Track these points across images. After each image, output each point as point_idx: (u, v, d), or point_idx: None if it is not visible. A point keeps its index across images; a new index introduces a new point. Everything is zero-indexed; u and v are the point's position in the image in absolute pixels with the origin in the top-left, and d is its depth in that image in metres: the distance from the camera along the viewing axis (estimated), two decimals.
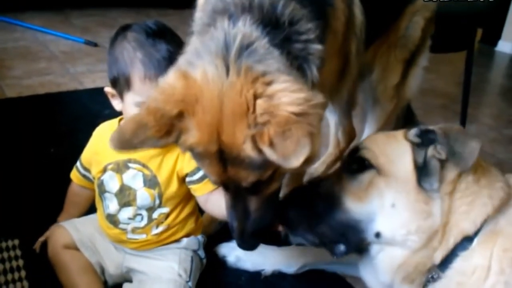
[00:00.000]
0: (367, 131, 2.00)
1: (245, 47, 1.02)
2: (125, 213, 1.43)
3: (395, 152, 1.17)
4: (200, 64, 1.02)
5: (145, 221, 1.44)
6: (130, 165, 1.41)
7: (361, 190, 1.16)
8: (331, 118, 2.18)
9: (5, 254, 1.59)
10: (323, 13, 1.24)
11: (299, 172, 1.21)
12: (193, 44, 1.12)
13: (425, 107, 2.97)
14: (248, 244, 1.27)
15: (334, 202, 1.19)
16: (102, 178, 1.45)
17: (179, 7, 4.40)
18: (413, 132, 1.21)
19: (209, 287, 1.54)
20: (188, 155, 1.26)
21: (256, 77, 0.99)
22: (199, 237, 1.56)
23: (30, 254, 1.57)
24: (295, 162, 0.93)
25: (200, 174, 1.40)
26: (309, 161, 1.00)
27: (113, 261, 1.48)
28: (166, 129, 1.03)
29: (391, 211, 1.14)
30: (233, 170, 1.08)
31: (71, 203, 1.61)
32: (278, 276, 1.62)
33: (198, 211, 1.57)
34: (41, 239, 1.54)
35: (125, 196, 1.42)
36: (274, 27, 1.09)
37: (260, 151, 0.99)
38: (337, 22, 1.32)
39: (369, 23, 1.53)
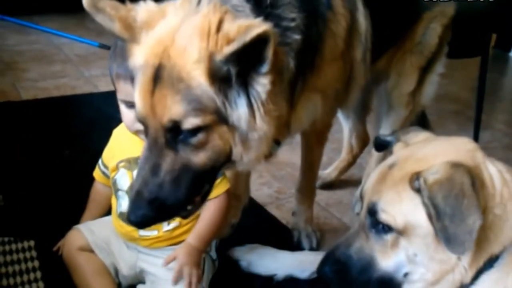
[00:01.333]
0: None
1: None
2: None
3: (408, 208, 1.10)
4: (180, 5, 1.12)
5: None
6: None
7: (388, 249, 1.15)
8: (345, 124, 2.18)
9: (21, 255, 1.61)
10: (320, 14, 1.26)
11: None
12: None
13: (438, 113, 2.96)
14: (138, 212, 1.08)
15: (368, 262, 1.19)
16: (115, 177, 1.48)
17: None
18: (416, 183, 1.11)
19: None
20: None
21: (225, 11, 1.06)
22: None
23: (46, 255, 1.59)
24: (229, 48, 0.98)
25: None
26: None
27: (127, 262, 1.49)
28: (125, 24, 1.12)
29: (415, 259, 1.13)
30: (162, 94, 1.04)
31: (93, 201, 1.62)
32: (290, 281, 1.62)
33: None
34: (61, 242, 1.56)
35: None
36: (257, 4, 1.12)
37: (208, 80, 1.02)
38: (337, 27, 1.33)
39: (382, 31, 1.54)
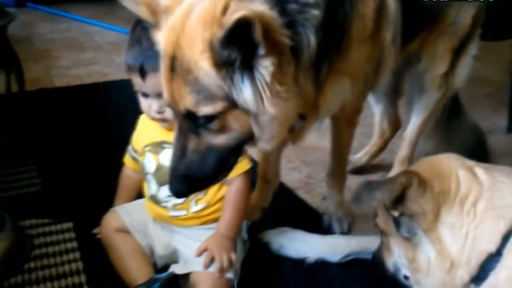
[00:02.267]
0: (413, 121, 1.96)
1: None
2: (164, 191, 1.48)
3: (384, 212, 1.28)
4: None
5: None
6: (164, 145, 1.46)
7: (387, 250, 1.35)
8: (376, 108, 2.15)
9: (60, 236, 1.67)
10: None
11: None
12: None
13: (471, 96, 2.89)
14: (174, 186, 1.19)
15: (382, 263, 1.39)
16: (143, 161, 1.52)
17: None
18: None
19: (252, 273, 1.56)
20: None
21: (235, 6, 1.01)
22: None
23: (83, 236, 1.65)
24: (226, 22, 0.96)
25: None
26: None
27: (162, 242, 1.53)
28: (151, 9, 1.12)
29: (402, 261, 1.30)
30: (177, 84, 1.08)
31: (123, 186, 1.66)
32: (321, 264, 1.63)
33: None
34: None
35: (162, 175, 1.47)
36: None
37: (213, 68, 1.02)
38: (365, 8, 1.30)
39: (414, 13, 1.51)
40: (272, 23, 1.02)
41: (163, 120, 1.43)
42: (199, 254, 1.41)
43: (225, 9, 1.00)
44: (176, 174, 1.17)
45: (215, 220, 1.50)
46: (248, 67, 1.04)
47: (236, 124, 1.12)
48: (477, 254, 1.16)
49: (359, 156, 2.20)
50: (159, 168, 1.48)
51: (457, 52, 1.83)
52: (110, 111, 2.55)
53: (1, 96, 2.40)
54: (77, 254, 1.59)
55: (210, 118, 1.10)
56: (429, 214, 1.17)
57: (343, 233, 1.78)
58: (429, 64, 1.82)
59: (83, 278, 1.51)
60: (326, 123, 1.66)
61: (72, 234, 1.68)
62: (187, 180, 1.17)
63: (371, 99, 2.10)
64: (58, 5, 4.28)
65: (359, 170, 2.17)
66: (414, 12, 1.50)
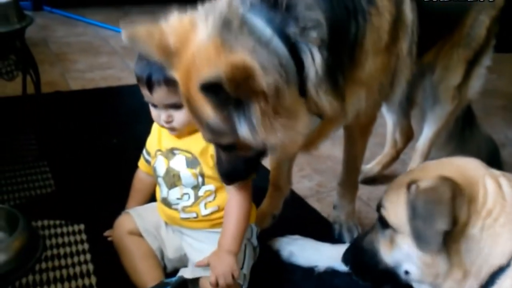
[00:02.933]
0: (426, 132, 1.96)
1: (228, 22, 1.11)
2: (174, 194, 1.49)
3: (402, 210, 1.24)
4: (204, 21, 1.14)
5: (192, 199, 1.48)
6: (175, 151, 1.48)
7: (387, 243, 1.31)
8: (389, 118, 2.15)
9: (72, 238, 1.69)
10: (360, 9, 1.25)
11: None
12: (214, 2, 1.21)
13: (485, 108, 2.88)
14: (224, 180, 1.38)
15: (374, 254, 1.35)
16: (154, 164, 1.53)
17: None
18: (412, 188, 1.22)
19: (262, 280, 1.56)
20: None
21: (223, 48, 1.08)
22: (252, 225, 1.58)
23: (95, 238, 1.66)
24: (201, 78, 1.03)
25: None
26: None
27: (172, 245, 1.54)
28: (163, 52, 1.16)
29: (410, 259, 1.26)
30: (196, 123, 1.21)
31: (135, 189, 1.67)
32: (331, 273, 1.62)
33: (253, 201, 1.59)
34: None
35: (171, 178, 1.48)
36: (272, 7, 1.14)
37: (213, 110, 1.10)
38: (380, 20, 1.30)
39: (431, 24, 1.51)
40: (251, 73, 1.03)
41: (171, 129, 1.44)
42: (202, 265, 1.41)
43: (212, 56, 1.07)
44: (222, 173, 1.34)
45: None
46: (241, 107, 1.10)
47: (251, 148, 1.20)
48: (489, 267, 1.16)
49: (370, 166, 2.20)
50: (168, 171, 1.49)
51: (471, 64, 1.82)
52: (124, 114, 2.57)
53: (17, 98, 2.43)
54: (88, 256, 1.61)
55: (229, 146, 1.22)
56: (460, 226, 1.15)
57: None
58: (443, 75, 1.82)
59: (93, 280, 1.52)
60: (339, 132, 1.66)
61: (84, 236, 1.69)
62: (230, 176, 1.36)
63: (384, 109, 2.10)
64: (74, 9, 4.34)
65: (371, 180, 2.17)
66: (431, 23, 1.50)
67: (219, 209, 1.50)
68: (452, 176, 1.17)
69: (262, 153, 1.28)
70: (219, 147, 1.28)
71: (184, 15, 1.19)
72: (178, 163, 1.47)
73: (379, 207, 1.31)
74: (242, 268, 1.47)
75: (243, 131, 1.13)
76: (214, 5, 1.18)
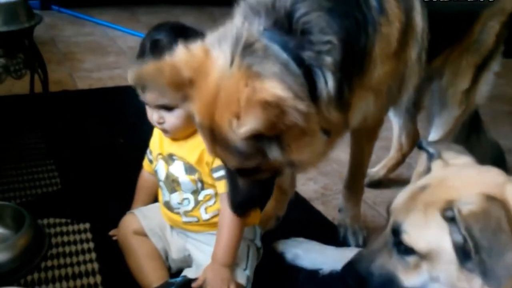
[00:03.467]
0: (432, 136, 1.95)
1: (248, 46, 1.12)
2: (174, 199, 1.50)
3: (434, 235, 1.10)
4: (218, 48, 1.14)
5: (192, 204, 1.49)
6: (174, 158, 1.48)
7: (410, 270, 1.17)
8: (395, 122, 2.15)
9: (77, 237, 1.69)
10: (370, 20, 1.26)
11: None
12: (221, 29, 1.22)
13: (492, 114, 2.86)
14: (238, 211, 1.36)
15: (389, 279, 1.20)
16: (156, 168, 1.53)
17: None
18: (449, 212, 1.09)
19: (265, 282, 1.56)
20: None
21: (250, 75, 1.08)
22: (256, 226, 1.58)
23: (100, 237, 1.67)
24: (244, 130, 1.05)
25: (219, 173, 1.42)
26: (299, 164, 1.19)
27: (176, 246, 1.55)
28: (176, 86, 1.15)
29: (439, 280, 1.13)
30: (220, 150, 1.19)
31: (140, 189, 1.68)
32: (336, 276, 1.60)
33: None
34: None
35: (171, 183, 1.49)
36: (287, 32, 1.16)
37: (240, 136, 1.09)
38: (390, 29, 1.31)
39: (441, 31, 1.51)
40: (285, 108, 1.05)
41: (164, 131, 1.44)
42: (199, 284, 1.41)
43: (246, 85, 1.07)
44: (236, 203, 1.34)
45: None
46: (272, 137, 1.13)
47: (273, 169, 1.24)
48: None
49: (376, 169, 2.19)
50: (168, 176, 1.49)
51: (480, 69, 1.82)
52: (131, 114, 2.56)
53: (25, 96, 2.45)
54: (93, 255, 1.61)
55: (253, 169, 1.22)
56: None
57: (358, 246, 1.77)
58: (451, 80, 1.81)
59: (98, 279, 1.52)
60: (345, 135, 1.66)
61: (89, 235, 1.70)
62: (244, 205, 1.35)
63: (390, 113, 2.10)
64: (82, 8, 4.36)
65: (376, 184, 2.16)
66: (441, 30, 1.51)
67: (219, 214, 1.49)
68: (487, 191, 1.06)
69: (280, 172, 1.30)
70: (240, 172, 1.26)
71: (191, 46, 1.16)
72: (177, 169, 1.47)
73: (397, 233, 1.14)
74: (245, 269, 1.47)
75: (274, 154, 1.15)
76: (224, 32, 1.18)
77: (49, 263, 1.57)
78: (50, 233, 1.69)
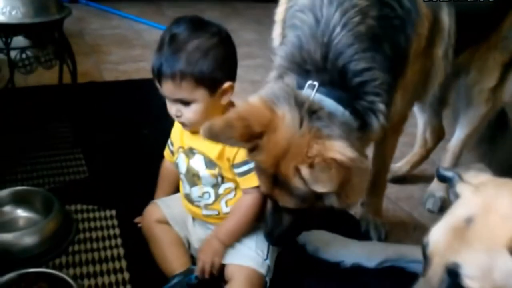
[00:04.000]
0: (458, 133, 1.94)
1: (313, 112, 1.23)
2: (195, 192, 1.52)
3: (504, 278, 0.97)
4: (281, 107, 1.23)
5: (212, 197, 1.50)
6: (194, 151, 1.49)
7: None
8: (420, 117, 2.14)
9: (103, 223, 1.73)
10: (410, 24, 1.32)
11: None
12: (272, 85, 1.33)
13: None
14: (277, 243, 1.49)
15: None
16: (177, 160, 1.55)
17: (264, 0, 4.49)
18: None
19: (286, 273, 1.57)
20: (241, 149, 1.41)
21: (321, 136, 1.20)
22: None
23: (125, 224, 1.71)
24: (318, 189, 1.18)
25: (243, 169, 1.44)
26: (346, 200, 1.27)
27: (198, 236, 1.57)
28: (246, 139, 1.22)
29: None
30: (279, 191, 1.29)
31: (162, 179, 1.71)
32: (357, 269, 1.62)
33: None
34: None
35: (191, 177, 1.50)
36: (343, 89, 1.27)
37: (302, 181, 1.20)
38: (422, 28, 1.35)
39: (469, 28, 1.51)
40: (350, 170, 1.18)
41: (182, 124, 1.47)
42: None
43: (315, 151, 1.19)
44: (274, 236, 1.43)
45: None
46: None
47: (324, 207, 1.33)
48: None
49: (399, 165, 2.18)
50: (188, 170, 1.51)
51: (507, 67, 1.80)
52: (155, 106, 2.57)
53: (54, 87, 2.50)
54: (119, 241, 1.65)
55: (303, 209, 1.32)
56: None
57: (380, 240, 1.77)
58: (477, 77, 1.80)
59: (123, 263, 1.56)
60: None
61: (115, 221, 1.73)
62: (281, 239, 1.46)
63: (415, 108, 2.09)
64: (109, 2, 4.43)
65: (399, 180, 2.16)
66: (468, 27, 1.50)
67: None
68: None
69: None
70: (288, 210, 1.35)
71: (251, 100, 1.26)
72: (197, 163, 1.48)
73: (454, 275, 0.98)
74: (266, 259, 1.49)
75: (331, 201, 1.27)
76: (278, 89, 1.27)
77: (77, 247, 1.61)
78: (77, 218, 1.74)
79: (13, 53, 2.04)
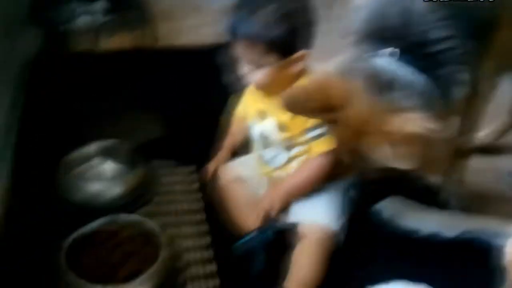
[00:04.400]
0: None
1: (391, 82, 1.18)
2: (267, 154, 1.54)
3: None
4: (358, 78, 1.20)
5: (285, 160, 1.51)
6: (266, 114, 1.50)
7: None
8: (508, 84, 2.01)
9: (185, 178, 1.80)
10: None
11: None
12: (348, 53, 1.30)
13: None
14: None
15: None
16: (249, 123, 1.58)
17: None
18: None
19: (357, 238, 1.55)
20: None
21: (400, 109, 1.15)
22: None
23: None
24: (400, 165, 1.13)
25: (315, 132, 1.42)
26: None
27: None
28: (326, 112, 1.20)
29: None
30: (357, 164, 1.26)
31: (233, 134, 1.73)
32: (435, 239, 1.58)
33: None
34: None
35: (263, 140, 1.52)
36: (423, 57, 1.22)
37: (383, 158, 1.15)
38: None
39: None
40: (432, 139, 1.14)
41: (254, 85, 1.47)
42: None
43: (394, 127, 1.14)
44: None
45: None
46: None
47: None
48: None
49: (484, 133, 2.08)
50: (260, 132, 1.53)
51: None
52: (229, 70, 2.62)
53: (135, 50, 2.58)
54: (198, 195, 1.72)
55: None
56: None
57: (460, 210, 1.71)
58: None
59: (203, 215, 1.63)
60: None
61: (195, 177, 1.80)
62: None
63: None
64: None
65: (483, 149, 2.05)
66: None
67: None
68: None
69: None
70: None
71: (327, 69, 1.26)
72: (269, 126, 1.49)
73: None
74: (339, 218, 1.50)
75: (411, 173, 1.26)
76: (356, 58, 1.26)
77: (159, 198, 1.69)
78: (159, 173, 1.81)
79: (95, 17, 2.11)
